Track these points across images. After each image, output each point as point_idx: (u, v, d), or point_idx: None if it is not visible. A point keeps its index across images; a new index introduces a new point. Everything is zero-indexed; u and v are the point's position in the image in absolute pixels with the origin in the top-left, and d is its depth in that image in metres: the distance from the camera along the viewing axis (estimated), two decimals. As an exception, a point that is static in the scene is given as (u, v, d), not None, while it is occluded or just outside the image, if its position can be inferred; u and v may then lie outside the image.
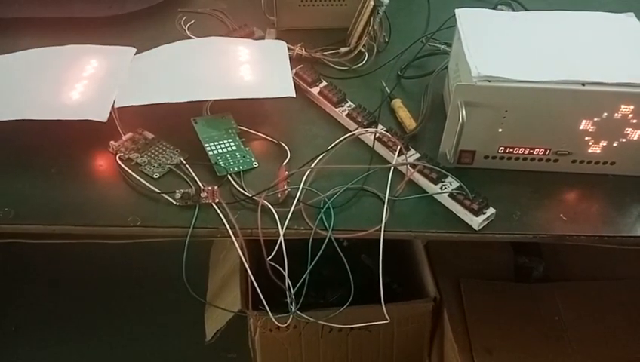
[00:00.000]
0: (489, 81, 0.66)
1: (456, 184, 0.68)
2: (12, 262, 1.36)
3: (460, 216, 0.67)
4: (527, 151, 0.71)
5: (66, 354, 1.23)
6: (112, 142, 0.73)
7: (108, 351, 1.24)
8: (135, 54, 0.81)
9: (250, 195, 0.68)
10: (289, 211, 0.66)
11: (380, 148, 0.74)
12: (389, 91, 0.83)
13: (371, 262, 1.01)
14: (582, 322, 0.92)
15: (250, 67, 0.79)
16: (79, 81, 0.75)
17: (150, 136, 0.75)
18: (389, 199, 0.68)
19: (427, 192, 0.69)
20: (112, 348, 1.24)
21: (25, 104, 0.73)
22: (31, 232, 0.68)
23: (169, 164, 0.72)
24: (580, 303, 0.94)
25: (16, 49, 0.82)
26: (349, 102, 0.80)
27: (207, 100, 0.77)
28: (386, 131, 0.75)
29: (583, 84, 0.66)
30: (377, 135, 0.74)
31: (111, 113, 0.71)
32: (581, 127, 0.68)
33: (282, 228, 0.65)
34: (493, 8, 0.96)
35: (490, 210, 0.66)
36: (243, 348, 1.04)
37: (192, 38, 0.90)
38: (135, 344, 1.24)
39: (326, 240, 0.65)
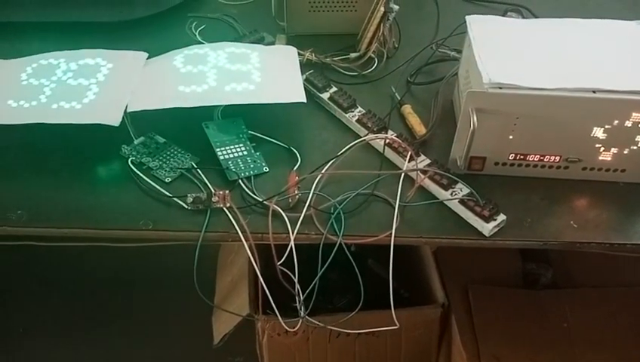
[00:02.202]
0: (500, 88, 0.66)
1: (466, 190, 0.69)
2: (23, 264, 1.36)
3: (470, 222, 0.67)
4: (538, 158, 0.71)
5: (74, 356, 1.23)
6: (124, 146, 0.74)
7: (116, 352, 1.24)
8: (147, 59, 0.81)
9: (261, 200, 0.68)
10: (300, 216, 0.66)
11: (390, 153, 0.74)
12: (398, 97, 0.83)
13: (378, 267, 1.00)
14: (590, 329, 0.92)
15: (261, 72, 0.79)
16: (92, 85, 0.76)
17: (162, 140, 0.76)
18: (399, 205, 0.68)
19: (437, 198, 0.70)
20: (120, 350, 1.24)
21: (37, 107, 0.73)
22: (43, 235, 0.68)
23: (180, 168, 0.72)
24: (588, 310, 0.94)
25: (27, 53, 0.82)
26: (359, 108, 0.80)
27: (218, 105, 0.77)
28: (396, 137, 0.75)
29: (594, 92, 0.66)
30: (387, 141, 0.75)
31: (123, 117, 0.71)
32: (592, 135, 0.69)
33: (293, 233, 0.65)
34: (503, 15, 0.97)
35: (501, 217, 0.66)
36: (249, 352, 1.04)
37: (202, 43, 0.90)
38: (143, 346, 1.25)
39: (336, 246, 0.65)
